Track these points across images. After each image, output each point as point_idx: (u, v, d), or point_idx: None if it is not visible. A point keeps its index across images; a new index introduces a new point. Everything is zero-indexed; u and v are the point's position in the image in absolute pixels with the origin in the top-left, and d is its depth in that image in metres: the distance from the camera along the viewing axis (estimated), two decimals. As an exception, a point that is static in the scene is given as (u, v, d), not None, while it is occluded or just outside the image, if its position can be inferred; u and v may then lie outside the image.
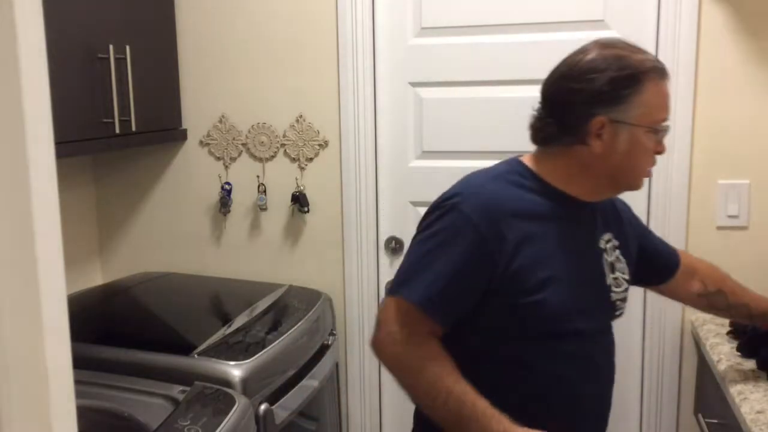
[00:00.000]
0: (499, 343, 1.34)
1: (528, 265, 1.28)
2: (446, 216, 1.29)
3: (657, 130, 1.31)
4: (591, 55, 1.29)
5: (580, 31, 2.18)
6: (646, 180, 1.32)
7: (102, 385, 1.69)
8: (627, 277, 1.45)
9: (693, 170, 2.12)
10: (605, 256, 1.41)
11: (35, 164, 0.56)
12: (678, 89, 2.09)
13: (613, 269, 1.42)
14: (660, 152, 1.34)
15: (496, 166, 1.41)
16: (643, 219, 2.18)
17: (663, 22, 2.08)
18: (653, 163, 1.35)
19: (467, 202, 1.29)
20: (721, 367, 1.76)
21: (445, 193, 1.34)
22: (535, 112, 1.37)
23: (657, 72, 1.29)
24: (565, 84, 1.31)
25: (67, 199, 2.40)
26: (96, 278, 2.58)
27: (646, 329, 2.21)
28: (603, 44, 1.31)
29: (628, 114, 1.27)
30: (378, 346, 1.32)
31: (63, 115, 1.80)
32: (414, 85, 2.31)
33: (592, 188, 1.36)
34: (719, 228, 2.13)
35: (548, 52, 2.23)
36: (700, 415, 1.99)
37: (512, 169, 1.38)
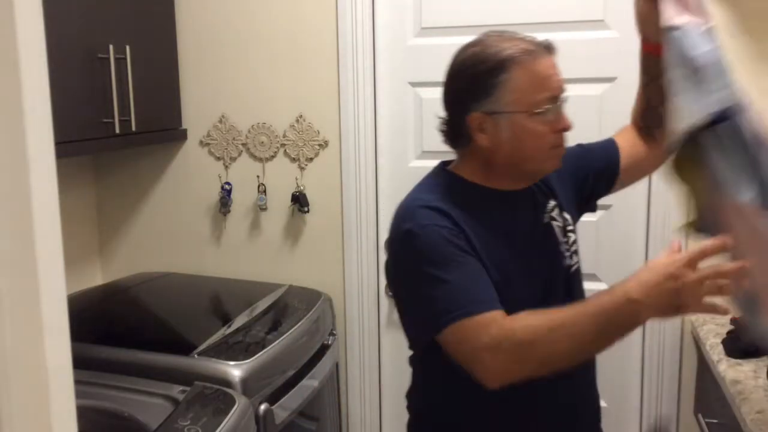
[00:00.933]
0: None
1: (482, 258, 1.29)
2: (413, 243, 1.27)
3: (540, 111, 1.28)
4: (459, 57, 1.34)
5: (580, 31, 2.18)
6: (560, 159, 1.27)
7: (102, 385, 1.69)
8: (572, 227, 1.46)
9: (693, 170, 2.12)
10: (555, 224, 1.41)
11: (35, 164, 0.56)
12: (678, 89, 2.08)
13: (565, 232, 1.43)
14: (563, 129, 1.32)
15: (424, 180, 1.43)
16: (643, 218, 2.19)
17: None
18: (557, 141, 1.32)
19: (413, 222, 1.29)
20: (721, 367, 1.76)
21: (394, 232, 1.33)
22: (440, 118, 1.40)
23: (524, 55, 1.29)
24: (443, 88, 1.37)
25: (67, 199, 2.40)
26: (96, 278, 2.58)
27: (646, 329, 2.21)
28: (471, 43, 1.35)
29: (500, 103, 1.29)
30: (496, 371, 1.19)
31: (63, 115, 1.79)
32: (414, 85, 2.31)
33: (507, 179, 1.37)
34: (719, 228, 2.13)
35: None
36: (700, 415, 1.99)
37: (439, 180, 1.40)
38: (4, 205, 0.56)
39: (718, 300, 1.11)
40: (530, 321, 1.18)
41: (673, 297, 1.11)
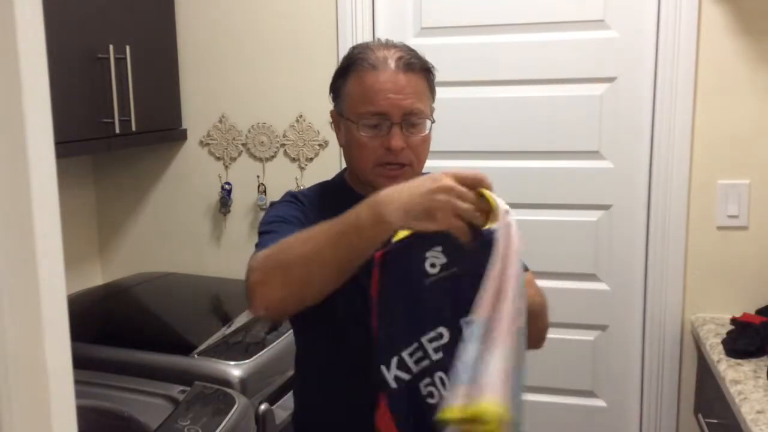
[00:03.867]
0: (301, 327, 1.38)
1: None
2: (273, 205, 1.40)
3: (365, 124, 1.27)
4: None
5: (580, 31, 2.18)
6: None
7: (102, 385, 1.69)
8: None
9: (693, 170, 2.12)
10: None
11: (35, 164, 0.56)
12: (678, 89, 2.09)
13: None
14: (388, 148, 1.26)
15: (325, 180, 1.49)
16: (643, 219, 2.19)
17: (663, 22, 2.08)
18: (382, 159, 1.27)
19: (284, 195, 1.41)
20: (721, 367, 1.76)
21: None
22: None
23: (365, 64, 1.27)
24: None
25: (67, 199, 2.40)
26: (96, 278, 2.58)
27: (646, 329, 2.21)
28: (356, 46, 1.39)
29: (341, 106, 1.34)
30: (255, 291, 1.16)
31: (63, 115, 1.80)
32: (414, 85, 2.31)
33: (357, 182, 1.36)
34: (719, 228, 2.13)
35: (548, 52, 2.25)
36: (700, 415, 1.99)
37: (330, 180, 1.47)
38: (4, 205, 0.56)
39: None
40: (285, 238, 1.16)
41: (423, 202, 1.02)
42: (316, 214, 1.29)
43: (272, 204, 1.43)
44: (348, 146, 1.33)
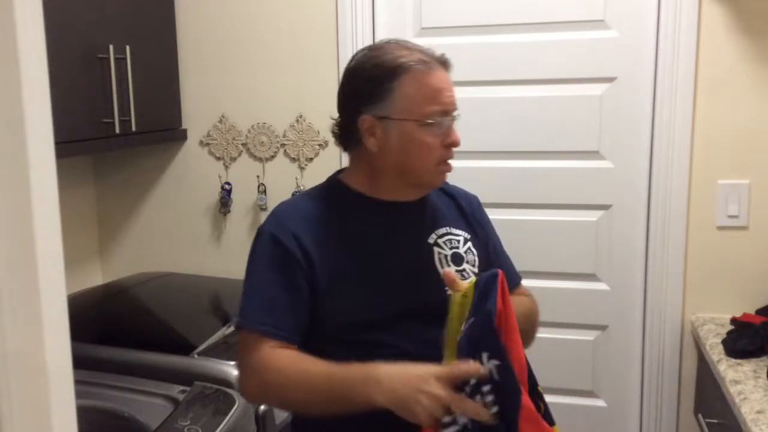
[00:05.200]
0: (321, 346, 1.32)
1: (321, 270, 1.29)
2: (255, 242, 1.36)
3: (431, 123, 1.29)
4: (355, 59, 1.35)
5: (580, 31, 2.18)
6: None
7: (102, 385, 1.69)
8: (476, 270, 1.39)
9: (693, 170, 2.12)
10: (438, 250, 1.37)
11: (35, 164, 0.56)
12: (678, 89, 2.09)
13: (461, 261, 1.38)
14: (451, 144, 1.32)
15: (315, 187, 1.47)
16: (643, 219, 2.19)
17: (663, 22, 2.08)
18: (445, 156, 1.33)
19: (267, 223, 1.35)
20: (721, 367, 1.76)
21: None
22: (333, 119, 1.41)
23: (422, 64, 1.29)
24: (339, 89, 1.38)
25: (67, 199, 2.40)
26: (96, 278, 2.58)
27: (646, 329, 2.21)
28: (369, 47, 1.37)
29: (391, 109, 1.29)
30: (248, 391, 1.33)
31: (63, 115, 1.80)
32: (414, 85, 2.31)
33: (392, 188, 1.36)
34: (719, 228, 2.13)
35: (548, 52, 2.25)
36: (700, 415, 1.99)
37: (322, 185, 1.44)
38: (5, 205, 0.56)
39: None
40: (285, 365, 1.23)
41: (410, 398, 1.11)
42: (314, 235, 1.30)
43: (262, 232, 1.35)
44: (402, 149, 1.30)
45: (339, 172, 1.46)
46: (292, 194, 2.38)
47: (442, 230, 1.40)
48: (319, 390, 1.20)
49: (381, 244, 1.35)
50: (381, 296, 1.31)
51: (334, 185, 1.41)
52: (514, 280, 1.47)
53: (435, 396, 1.09)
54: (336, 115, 1.40)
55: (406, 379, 1.12)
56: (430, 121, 1.29)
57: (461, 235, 1.41)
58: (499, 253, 1.50)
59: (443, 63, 1.34)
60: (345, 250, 1.31)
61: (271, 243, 1.31)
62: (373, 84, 1.30)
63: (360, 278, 1.31)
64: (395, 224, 1.37)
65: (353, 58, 1.36)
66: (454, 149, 1.34)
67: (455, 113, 1.34)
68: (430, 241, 1.38)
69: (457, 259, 1.38)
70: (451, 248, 1.39)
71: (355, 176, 1.40)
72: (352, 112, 1.33)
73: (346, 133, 1.38)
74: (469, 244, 1.41)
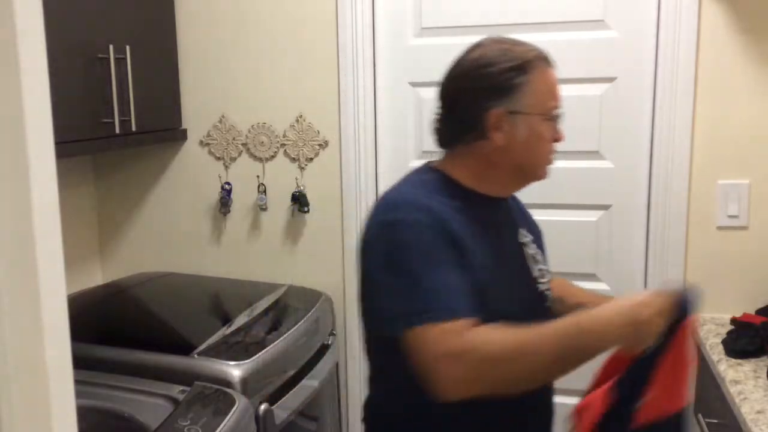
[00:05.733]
0: None
1: (472, 261, 1.25)
2: (398, 233, 1.24)
3: (551, 118, 1.33)
4: (478, 52, 1.33)
5: (580, 31, 2.18)
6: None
7: (102, 385, 1.69)
8: (548, 268, 1.46)
9: (693, 170, 2.12)
10: (526, 249, 1.41)
11: (35, 164, 0.56)
12: (678, 89, 2.09)
13: (536, 261, 1.42)
14: (558, 140, 1.35)
15: (410, 177, 1.39)
16: (643, 219, 2.19)
17: (663, 22, 2.08)
18: (553, 150, 1.36)
19: (408, 212, 1.25)
20: (721, 367, 1.76)
21: (376, 220, 1.30)
22: (435, 115, 1.38)
23: (543, 60, 1.32)
24: (458, 83, 1.34)
25: (67, 199, 2.41)
26: (96, 278, 2.58)
27: (646, 329, 2.21)
28: (488, 41, 1.35)
29: (522, 103, 1.29)
30: (453, 382, 1.14)
31: (63, 115, 1.80)
32: (414, 85, 2.31)
33: (501, 183, 1.37)
34: (719, 228, 2.13)
35: (548, 52, 2.25)
36: (700, 415, 1.99)
37: (427, 177, 1.37)
38: (4, 205, 0.56)
39: None
40: (495, 337, 1.14)
41: (639, 335, 1.14)
42: (456, 223, 1.25)
43: (389, 223, 1.26)
44: (527, 142, 1.31)
45: (430, 164, 1.41)
46: (292, 194, 2.38)
47: (523, 230, 1.44)
48: (546, 351, 1.14)
49: (497, 239, 1.35)
50: (514, 291, 1.33)
51: (444, 179, 1.35)
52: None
53: (660, 312, 1.13)
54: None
55: (632, 320, 1.14)
56: (551, 115, 1.33)
57: (530, 236, 1.45)
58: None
59: (551, 60, 1.37)
60: (479, 244, 1.28)
61: (428, 230, 1.22)
62: (505, 78, 1.29)
63: (496, 272, 1.29)
64: (502, 221, 1.40)
65: (471, 51, 1.34)
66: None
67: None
68: (521, 239, 1.42)
69: (536, 259, 1.43)
70: (532, 248, 1.43)
71: (460, 170, 1.35)
72: (475, 106, 1.30)
73: (463, 128, 1.33)
74: (535, 245, 1.45)
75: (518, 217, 1.46)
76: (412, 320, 1.17)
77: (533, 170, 1.36)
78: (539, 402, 1.40)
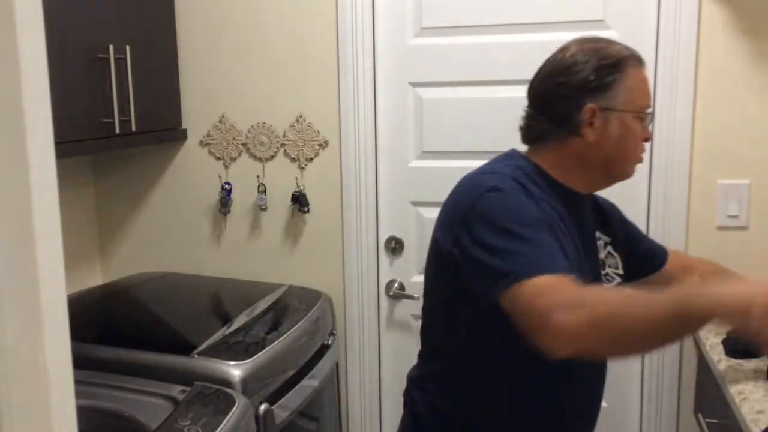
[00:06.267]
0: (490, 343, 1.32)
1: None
2: (501, 199, 1.25)
3: (643, 116, 1.35)
4: (572, 51, 1.35)
5: (580, 31, 2.17)
6: (643, 178, 1.33)
7: (102, 385, 1.69)
8: (620, 272, 1.48)
9: (693, 170, 2.12)
10: (601, 250, 1.45)
11: (35, 164, 0.56)
12: (678, 89, 2.09)
13: (604, 265, 1.45)
14: (647, 139, 1.38)
15: (500, 161, 1.39)
16: (644, 219, 2.19)
17: (663, 22, 2.08)
18: (642, 149, 1.39)
19: (504, 182, 1.28)
20: (721, 367, 1.76)
21: (472, 189, 1.30)
22: (524, 113, 1.41)
23: (636, 59, 1.35)
24: (552, 80, 1.36)
25: (67, 199, 2.40)
26: (96, 278, 2.58)
27: (646, 329, 2.21)
28: (581, 40, 1.38)
29: (616, 100, 1.32)
30: (569, 332, 1.09)
31: (63, 115, 1.80)
32: (414, 85, 2.31)
33: (589, 180, 1.39)
34: (719, 228, 2.13)
35: (548, 52, 2.24)
36: (700, 415, 1.99)
37: (519, 164, 1.37)
38: (4, 205, 0.56)
39: None
40: (611, 295, 1.16)
41: (743, 309, 1.07)
42: (547, 204, 1.29)
43: (501, 189, 1.26)
44: (618, 139, 1.33)
45: (519, 155, 1.41)
46: (292, 194, 2.38)
47: (598, 232, 1.46)
48: (657, 313, 1.08)
49: (578, 233, 1.37)
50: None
51: (532, 167, 1.36)
52: (660, 256, 1.60)
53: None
54: None
55: (746, 296, 1.06)
56: (644, 113, 1.34)
57: (606, 238, 1.47)
58: (641, 238, 1.59)
59: (643, 60, 1.38)
60: (563, 232, 1.29)
61: (526, 199, 1.25)
62: (600, 75, 1.32)
63: (576, 262, 1.29)
64: (585, 216, 1.42)
65: (559, 53, 1.37)
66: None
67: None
68: (597, 235, 1.45)
69: (605, 263, 1.45)
70: (603, 251, 1.45)
71: (547, 162, 1.37)
72: (569, 103, 1.32)
73: (555, 125, 1.35)
74: (610, 248, 1.47)
75: (596, 218, 1.48)
76: (527, 271, 1.15)
77: (622, 167, 1.38)
78: (588, 405, 1.45)
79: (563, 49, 1.37)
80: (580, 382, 1.39)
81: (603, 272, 1.44)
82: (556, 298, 1.11)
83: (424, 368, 1.47)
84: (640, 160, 1.40)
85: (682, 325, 1.12)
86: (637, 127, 1.35)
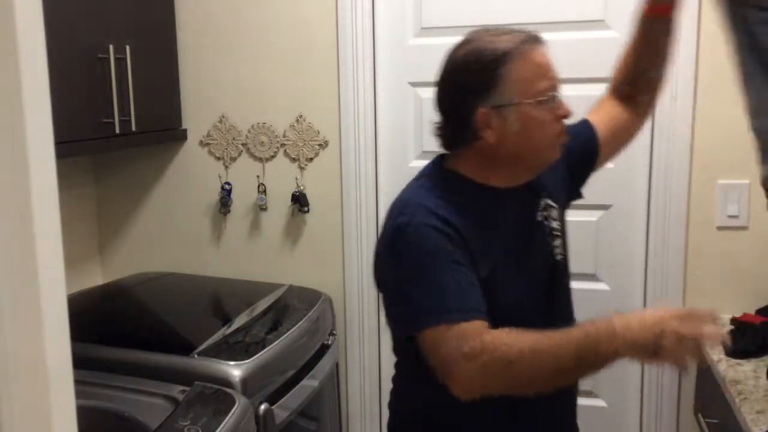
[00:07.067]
0: None
1: (480, 260, 1.28)
2: (408, 237, 1.27)
3: (544, 100, 1.29)
4: (460, 52, 1.33)
5: (580, 31, 2.18)
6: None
7: (102, 385, 1.69)
8: (558, 222, 1.45)
9: (693, 170, 2.12)
10: (546, 223, 1.41)
11: (35, 164, 0.56)
12: (678, 89, 2.09)
13: (553, 229, 1.42)
14: (564, 116, 1.33)
15: (421, 175, 1.41)
16: (643, 219, 2.19)
17: (663, 22, 2.08)
18: (560, 129, 1.33)
19: (412, 215, 1.28)
20: (721, 367, 1.76)
21: (389, 224, 1.32)
22: (434, 122, 1.39)
23: (523, 45, 1.29)
24: (444, 86, 1.35)
25: (67, 199, 2.40)
26: (96, 278, 2.58)
27: (646, 329, 2.21)
28: (464, 41, 1.34)
29: (507, 96, 1.28)
30: (469, 382, 1.17)
31: (63, 115, 1.79)
32: (414, 85, 2.31)
33: (510, 175, 1.36)
34: (719, 228, 2.13)
35: (548, 52, 2.24)
36: (700, 415, 1.99)
37: (438, 177, 1.38)
38: (5, 205, 0.56)
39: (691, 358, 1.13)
40: (513, 339, 1.16)
41: (653, 343, 1.11)
42: (463, 222, 1.28)
43: (406, 231, 1.27)
44: (524, 132, 1.29)
45: (440, 161, 1.41)
46: (292, 194, 2.38)
47: (543, 202, 1.42)
48: (562, 355, 1.14)
49: (511, 231, 1.36)
50: (529, 282, 1.34)
51: (451, 177, 1.37)
52: (590, 140, 1.54)
53: (673, 336, 1.09)
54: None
55: (644, 328, 1.12)
56: (543, 98, 1.30)
57: (548, 200, 1.44)
58: (573, 147, 1.50)
59: (540, 40, 1.34)
60: (490, 240, 1.30)
61: (437, 234, 1.25)
62: (482, 75, 1.29)
63: (510, 267, 1.31)
64: (515, 210, 1.39)
65: (449, 55, 1.34)
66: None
67: (560, 85, 1.35)
68: (539, 218, 1.41)
69: (553, 230, 1.43)
70: (551, 218, 1.42)
71: (467, 168, 1.37)
72: (463, 108, 1.31)
73: (457, 131, 1.34)
74: (548, 207, 1.43)
75: (539, 191, 1.43)
76: (429, 320, 1.20)
77: (537, 157, 1.35)
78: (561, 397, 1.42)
79: (453, 50, 1.34)
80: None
81: (554, 243, 1.41)
82: (456, 350, 1.16)
83: (395, 371, 1.49)
84: (561, 140, 1.34)
85: (588, 366, 1.18)
86: (541, 113, 1.29)
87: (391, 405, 1.51)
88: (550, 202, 1.44)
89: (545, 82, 1.30)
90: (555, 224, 1.44)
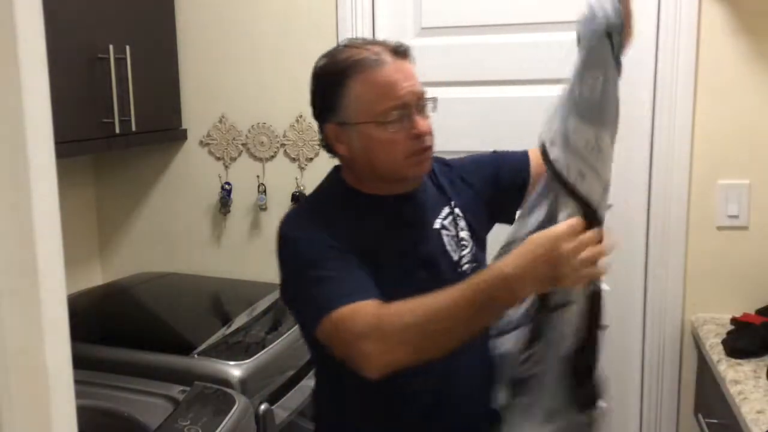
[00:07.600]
0: None
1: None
2: (287, 248, 1.35)
3: (386, 121, 1.26)
4: (316, 65, 1.35)
5: (580, 31, 2.18)
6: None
7: (102, 385, 1.69)
8: (467, 235, 1.41)
9: (693, 170, 2.12)
10: (445, 232, 1.37)
11: (35, 164, 0.56)
12: (678, 89, 2.09)
13: (458, 241, 1.38)
14: (418, 135, 1.28)
15: (319, 187, 1.44)
16: (644, 219, 2.19)
17: (663, 22, 2.08)
18: (413, 148, 1.28)
19: (289, 228, 1.36)
20: (721, 367, 1.76)
21: (279, 231, 1.40)
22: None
23: (366, 63, 1.27)
24: (311, 97, 1.37)
25: (67, 199, 2.40)
26: (96, 278, 2.58)
27: (646, 329, 2.21)
28: (330, 50, 1.35)
29: (347, 114, 1.28)
30: (371, 359, 1.15)
31: (63, 115, 1.79)
32: (414, 85, 2.31)
33: (379, 185, 1.35)
34: (719, 228, 2.13)
35: (548, 52, 2.25)
36: (700, 415, 1.99)
37: (327, 184, 1.42)
38: (4, 205, 0.56)
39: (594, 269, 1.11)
40: (403, 306, 1.15)
41: (549, 268, 1.09)
42: (340, 227, 1.29)
43: (289, 239, 1.35)
44: (367, 151, 1.29)
45: (338, 169, 1.43)
46: (292, 194, 2.38)
47: (445, 211, 1.40)
48: (459, 306, 1.12)
49: (393, 237, 1.34)
50: (405, 289, 1.29)
51: (342, 186, 1.39)
52: (522, 169, 1.50)
53: (567, 254, 1.08)
54: None
55: (534, 257, 1.09)
56: (386, 119, 1.26)
57: (457, 210, 1.41)
58: (502, 156, 1.52)
59: (397, 53, 1.30)
60: (366, 248, 1.29)
61: (312, 237, 1.29)
62: (326, 92, 1.29)
63: (383, 274, 1.28)
64: (402, 217, 1.36)
65: (317, 63, 1.36)
66: (427, 139, 1.31)
67: (424, 100, 1.31)
68: (437, 226, 1.38)
69: (460, 239, 1.39)
70: (458, 228, 1.39)
71: (349, 177, 1.39)
72: (320, 121, 1.34)
73: (323, 142, 1.38)
74: (450, 217, 1.40)
75: (441, 197, 1.41)
76: (320, 314, 1.20)
77: (391, 173, 1.31)
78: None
79: (318, 59, 1.36)
80: (430, 374, 1.31)
81: (461, 252, 1.37)
82: (350, 332, 1.16)
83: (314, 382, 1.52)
84: (419, 160, 1.30)
85: (487, 314, 1.16)
86: (384, 134, 1.25)
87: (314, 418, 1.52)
88: (458, 212, 1.41)
89: (388, 102, 1.26)
90: (463, 234, 1.40)
